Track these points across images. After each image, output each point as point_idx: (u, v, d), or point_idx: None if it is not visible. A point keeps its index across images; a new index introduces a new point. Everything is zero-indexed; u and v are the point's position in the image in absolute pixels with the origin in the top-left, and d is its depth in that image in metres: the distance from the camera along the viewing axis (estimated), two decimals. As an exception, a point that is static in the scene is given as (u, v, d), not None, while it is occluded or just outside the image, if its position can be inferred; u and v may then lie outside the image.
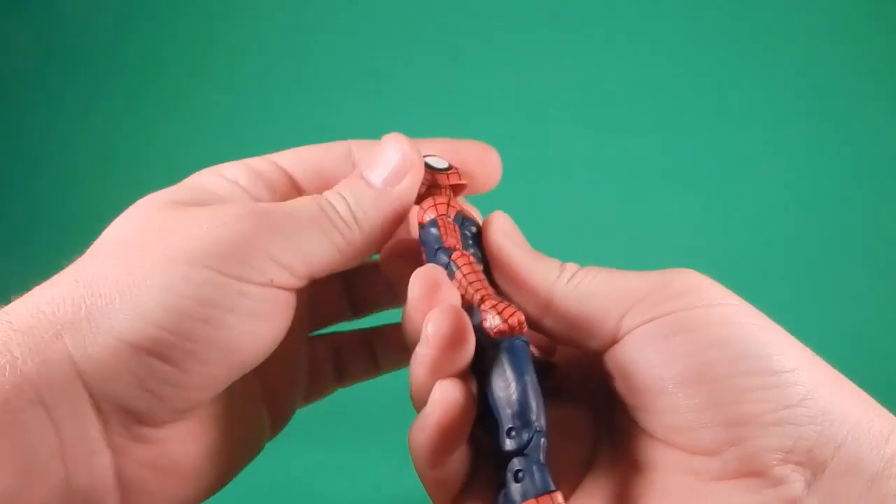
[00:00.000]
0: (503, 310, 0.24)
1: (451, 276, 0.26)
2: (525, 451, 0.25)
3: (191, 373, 0.23)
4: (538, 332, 0.27)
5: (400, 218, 0.27)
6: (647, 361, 0.24)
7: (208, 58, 1.00)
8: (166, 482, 0.25)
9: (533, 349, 0.29)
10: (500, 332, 0.24)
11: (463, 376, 0.25)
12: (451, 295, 0.25)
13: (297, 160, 0.29)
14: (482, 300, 0.25)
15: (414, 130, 0.29)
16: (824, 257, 0.91)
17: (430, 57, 0.96)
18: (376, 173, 0.27)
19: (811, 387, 0.23)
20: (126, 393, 0.23)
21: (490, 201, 0.32)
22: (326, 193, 0.27)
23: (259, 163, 0.29)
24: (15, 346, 0.22)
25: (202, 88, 1.00)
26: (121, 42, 1.01)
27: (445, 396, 0.24)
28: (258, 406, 0.29)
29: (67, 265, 0.25)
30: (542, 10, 0.95)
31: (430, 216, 0.27)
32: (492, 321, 0.24)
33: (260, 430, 0.29)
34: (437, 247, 0.26)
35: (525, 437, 0.24)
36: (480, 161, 0.30)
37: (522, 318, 0.24)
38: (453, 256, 0.26)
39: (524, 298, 0.26)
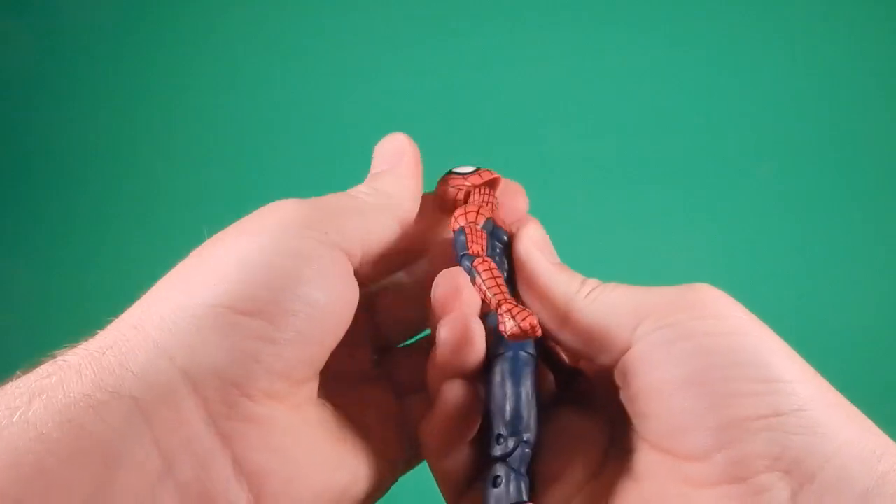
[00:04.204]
0: (517, 314, 0.25)
1: (473, 281, 0.27)
2: (508, 460, 0.26)
3: (280, 326, 0.23)
4: (555, 343, 0.28)
5: (418, 186, 0.29)
6: (649, 366, 0.24)
7: (209, 57, 1.00)
8: (293, 472, 0.24)
9: (563, 355, 0.30)
10: (514, 336, 0.25)
11: (472, 378, 0.26)
12: (470, 299, 0.27)
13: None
14: (499, 304, 0.26)
15: (414, 133, 0.30)
16: (826, 259, 0.91)
17: (430, 59, 0.96)
18: (378, 164, 0.29)
19: (806, 398, 0.23)
20: (219, 357, 0.22)
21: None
22: (351, 190, 0.29)
23: None
24: (94, 349, 0.22)
25: (203, 88, 1.00)
26: (121, 42, 1.01)
27: (451, 395, 0.26)
28: (379, 437, 0.28)
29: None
30: (542, 11, 0.95)
31: (459, 223, 0.28)
32: (507, 324, 0.25)
33: (385, 463, 0.28)
34: (462, 253, 0.28)
35: (510, 445, 0.26)
36: (508, 199, 0.31)
37: (536, 322, 0.25)
38: (475, 263, 0.27)
39: (544, 308, 0.27)
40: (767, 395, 0.23)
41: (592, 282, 0.27)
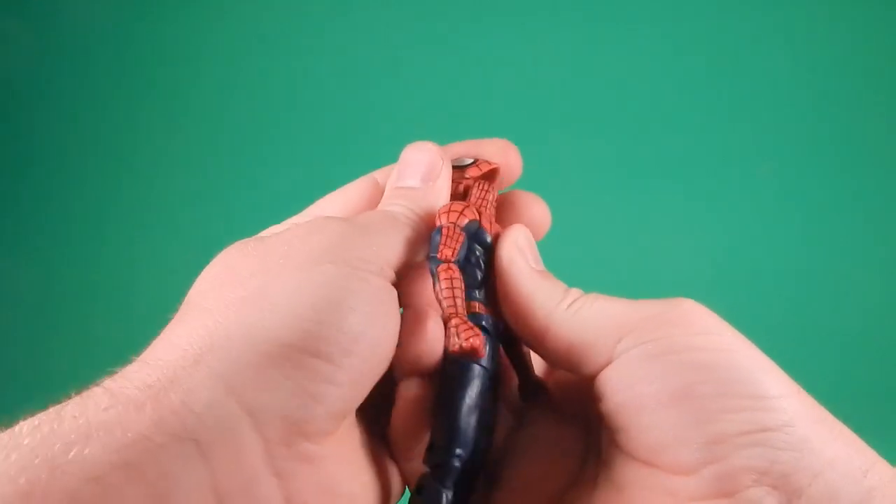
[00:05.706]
0: (463, 332, 0.25)
1: (434, 286, 0.27)
2: (435, 471, 0.25)
3: (341, 366, 0.23)
4: (535, 352, 0.28)
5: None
6: (633, 380, 0.24)
7: (209, 57, 1.00)
8: None
9: (532, 365, 0.29)
10: (455, 353, 0.25)
11: (429, 378, 0.26)
12: (432, 301, 0.27)
13: (344, 206, 0.30)
14: (448, 318, 0.26)
15: (413, 132, 0.30)
16: (826, 258, 0.91)
17: (430, 59, 0.96)
18: (412, 178, 0.29)
19: (794, 414, 0.23)
20: (285, 398, 0.22)
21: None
22: (383, 205, 0.28)
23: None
24: (154, 381, 0.22)
25: (204, 87, 1.00)
26: (121, 42, 1.01)
27: (405, 393, 0.26)
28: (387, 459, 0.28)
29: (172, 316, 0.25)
30: (542, 11, 0.95)
31: (440, 222, 0.28)
32: (450, 340, 0.25)
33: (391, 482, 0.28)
34: (432, 255, 0.27)
35: (439, 457, 0.25)
36: (500, 157, 0.31)
37: (479, 344, 0.25)
38: (439, 268, 0.27)
39: (524, 318, 0.27)
40: (755, 410, 0.23)
41: (575, 292, 0.27)
